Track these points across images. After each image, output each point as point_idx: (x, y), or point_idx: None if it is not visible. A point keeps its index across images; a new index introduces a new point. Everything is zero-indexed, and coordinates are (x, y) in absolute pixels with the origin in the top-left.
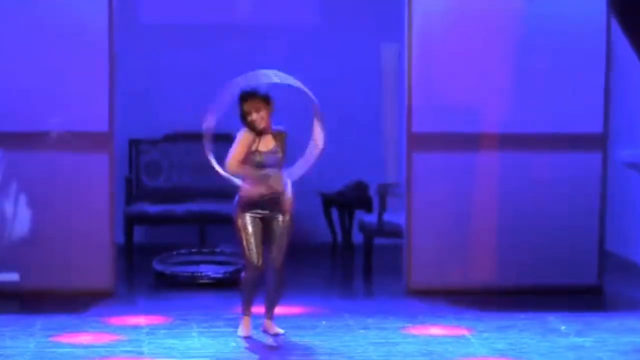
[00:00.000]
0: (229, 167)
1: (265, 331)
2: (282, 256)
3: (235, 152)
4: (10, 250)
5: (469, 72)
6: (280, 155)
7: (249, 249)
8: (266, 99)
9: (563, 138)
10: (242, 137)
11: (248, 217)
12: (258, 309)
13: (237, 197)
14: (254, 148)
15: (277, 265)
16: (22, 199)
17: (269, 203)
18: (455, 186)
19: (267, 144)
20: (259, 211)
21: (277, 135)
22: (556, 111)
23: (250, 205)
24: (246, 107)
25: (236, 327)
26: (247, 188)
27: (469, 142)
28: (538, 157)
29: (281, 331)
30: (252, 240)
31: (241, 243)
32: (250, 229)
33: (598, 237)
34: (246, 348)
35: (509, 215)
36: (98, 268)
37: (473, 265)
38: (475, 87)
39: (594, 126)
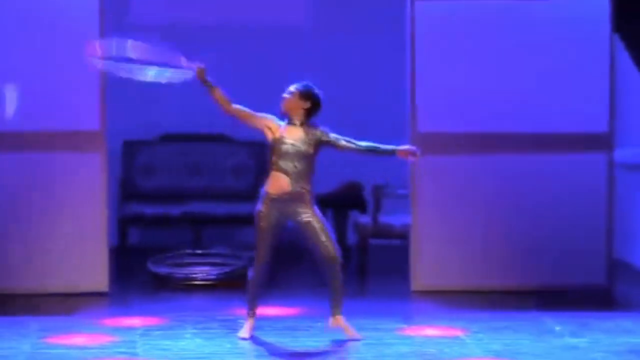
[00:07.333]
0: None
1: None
2: (332, 247)
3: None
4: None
5: (474, 71)
6: (304, 150)
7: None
8: (302, 92)
9: (570, 138)
10: (269, 116)
11: (264, 212)
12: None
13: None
14: (278, 135)
15: (329, 257)
16: (14, 200)
17: (288, 200)
18: (458, 188)
19: (294, 134)
20: (279, 207)
21: (310, 132)
22: (568, 111)
23: (271, 200)
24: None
25: (231, 328)
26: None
27: (474, 142)
28: (541, 158)
29: (358, 336)
30: (261, 235)
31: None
32: (263, 223)
33: (605, 239)
34: (241, 350)
35: (511, 217)
36: (92, 269)
37: (472, 267)
38: (481, 86)
39: (599, 125)
